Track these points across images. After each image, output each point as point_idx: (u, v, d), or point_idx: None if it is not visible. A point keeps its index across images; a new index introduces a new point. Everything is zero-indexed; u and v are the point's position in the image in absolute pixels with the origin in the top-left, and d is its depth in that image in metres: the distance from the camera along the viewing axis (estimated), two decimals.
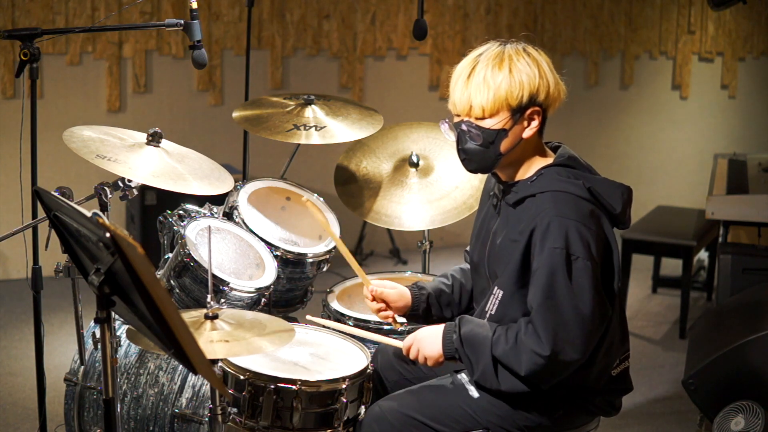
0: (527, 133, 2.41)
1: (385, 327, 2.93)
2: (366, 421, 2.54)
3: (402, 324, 2.77)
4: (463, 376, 2.52)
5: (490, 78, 2.35)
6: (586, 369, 2.42)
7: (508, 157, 2.42)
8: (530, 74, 2.36)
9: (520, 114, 2.38)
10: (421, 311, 2.69)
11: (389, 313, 2.69)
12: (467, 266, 2.77)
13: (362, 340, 2.84)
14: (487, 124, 2.38)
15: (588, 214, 2.35)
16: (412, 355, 2.52)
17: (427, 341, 2.48)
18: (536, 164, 2.46)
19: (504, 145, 2.40)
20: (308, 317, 2.80)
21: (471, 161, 2.45)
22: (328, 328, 2.85)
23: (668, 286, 5.89)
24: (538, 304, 2.31)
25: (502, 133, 2.39)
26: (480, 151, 2.41)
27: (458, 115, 2.43)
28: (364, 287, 2.72)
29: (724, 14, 7.57)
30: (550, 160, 2.47)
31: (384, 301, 2.69)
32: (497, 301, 2.43)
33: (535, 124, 2.40)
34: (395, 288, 2.69)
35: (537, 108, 2.39)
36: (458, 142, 2.45)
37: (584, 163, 2.48)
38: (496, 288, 2.44)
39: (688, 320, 5.08)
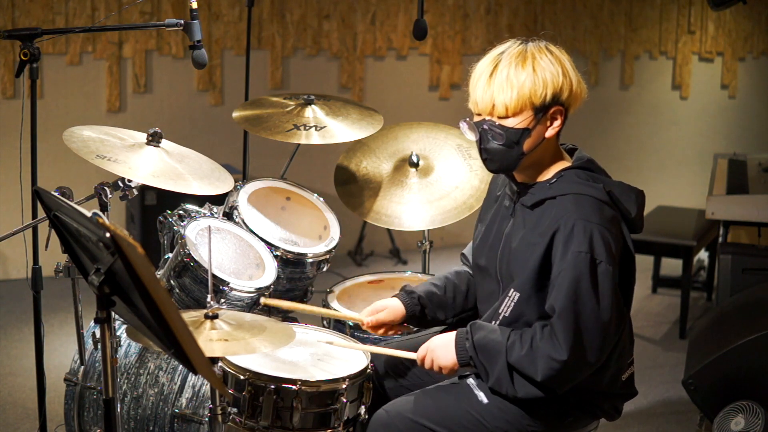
0: (549, 133, 2.39)
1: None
2: (373, 427, 2.52)
3: (410, 330, 2.80)
4: (471, 381, 2.50)
5: (514, 76, 2.33)
6: (600, 373, 2.42)
7: (529, 157, 2.41)
8: (554, 72, 2.35)
9: (543, 113, 2.37)
10: (417, 313, 2.67)
11: (394, 330, 2.70)
12: (462, 269, 2.76)
13: (363, 340, 2.84)
14: (510, 123, 2.36)
15: (609, 218, 2.34)
16: (426, 366, 2.49)
17: (441, 350, 2.46)
18: (555, 166, 2.44)
19: (527, 144, 2.38)
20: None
21: (493, 161, 2.42)
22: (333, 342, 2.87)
23: (668, 286, 5.89)
24: (561, 309, 2.29)
25: (525, 132, 2.37)
26: (503, 151, 2.39)
27: (479, 114, 2.41)
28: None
29: (724, 14, 7.58)
30: (567, 163, 2.46)
31: (383, 325, 2.68)
32: (513, 303, 2.40)
33: (557, 123, 2.39)
34: (385, 308, 2.67)
35: (560, 107, 2.38)
36: (480, 141, 2.42)
37: (600, 167, 2.47)
38: (512, 290, 2.41)
39: (688, 320, 5.08)
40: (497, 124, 2.37)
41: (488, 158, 2.42)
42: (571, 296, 2.28)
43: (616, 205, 2.40)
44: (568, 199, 2.35)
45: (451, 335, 2.46)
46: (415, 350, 2.55)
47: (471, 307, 2.70)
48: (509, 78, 2.33)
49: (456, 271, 2.75)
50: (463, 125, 2.44)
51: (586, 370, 2.34)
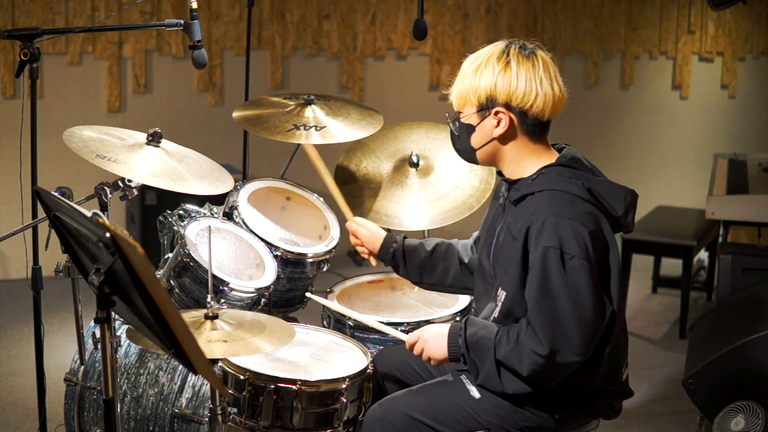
0: (497, 133, 2.44)
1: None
2: (367, 422, 2.54)
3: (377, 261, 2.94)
4: (464, 377, 2.52)
5: (464, 73, 2.47)
6: (592, 371, 2.42)
7: (483, 152, 2.49)
8: (493, 76, 2.40)
9: (486, 112, 2.43)
10: (387, 260, 2.84)
11: (366, 249, 2.88)
12: (459, 245, 2.81)
13: (363, 340, 2.83)
14: (462, 117, 2.50)
15: (585, 214, 2.35)
16: (416, 352, 2.52)
17: (433, 342, 2.48)
18: (538, 163, 2.46)
19: (474, 140, 2.49)
20: (308, 294, 3.08)
21: (459, 151, 2.57)
22: (338, 314, 2.95)
23: (668, 286, 5.89)
24: (533, 304, 2.32)
25: (469, 128, 2.48)
26: (458, 142, 2.54)
27: None
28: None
29: (724, 14, 7.57)
30: (552, 160, 2.47)
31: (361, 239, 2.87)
32: (500, 303, 2.43)
33: (503, 124, 2.43)
34: (370, 231, 2.87)
35: (501, 109, 2.42)
36: (451, 132, 2.57)
37: (588, 165, 2.48)
38: (500, 289, 2.44)
39: (688, 320, 5.07)
40: (455, 116, 2.52)
41: (456, 149, 2.58)
42: (542, 290, 2.30)
43: (599, 201, 2.41)
44: (543, 195, 2.39)
45: (445, 328, 2.49)
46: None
47: (446, 285, 2.81)
48: (461, 75, 2.48)
49: (451, 244, 2.82)
50: (448, 119, 2.58)
51: (570, 366, 2.35)
